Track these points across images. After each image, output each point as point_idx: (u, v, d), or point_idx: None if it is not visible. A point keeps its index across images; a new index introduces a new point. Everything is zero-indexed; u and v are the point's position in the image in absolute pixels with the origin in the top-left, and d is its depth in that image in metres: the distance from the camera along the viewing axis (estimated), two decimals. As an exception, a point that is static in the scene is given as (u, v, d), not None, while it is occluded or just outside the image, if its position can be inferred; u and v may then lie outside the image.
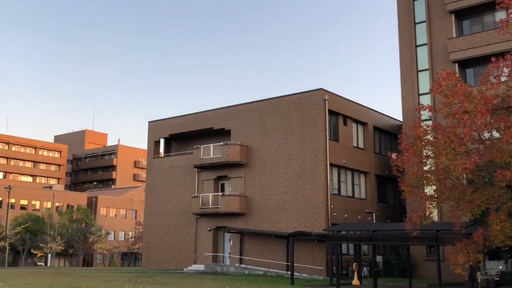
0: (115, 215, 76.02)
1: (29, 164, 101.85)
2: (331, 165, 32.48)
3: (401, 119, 33.87)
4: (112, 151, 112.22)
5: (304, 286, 25.14)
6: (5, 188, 50.31)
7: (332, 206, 31.49)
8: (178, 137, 41.78)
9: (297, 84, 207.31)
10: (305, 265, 30.75)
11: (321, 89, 33.12)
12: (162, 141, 43.12)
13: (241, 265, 34.14)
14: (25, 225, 53.46)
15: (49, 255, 55.05)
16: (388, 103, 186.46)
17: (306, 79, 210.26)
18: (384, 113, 39.01)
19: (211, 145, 36.44)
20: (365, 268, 29.67)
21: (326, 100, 32.65)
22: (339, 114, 34.20)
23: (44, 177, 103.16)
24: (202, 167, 37.43)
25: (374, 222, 34.49)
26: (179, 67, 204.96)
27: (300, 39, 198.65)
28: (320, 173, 31.63)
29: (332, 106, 33.29)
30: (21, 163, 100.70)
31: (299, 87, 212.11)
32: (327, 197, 31.31)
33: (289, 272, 28.44)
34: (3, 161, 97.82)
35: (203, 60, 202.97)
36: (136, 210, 76.49)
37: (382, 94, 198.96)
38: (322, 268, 30.19)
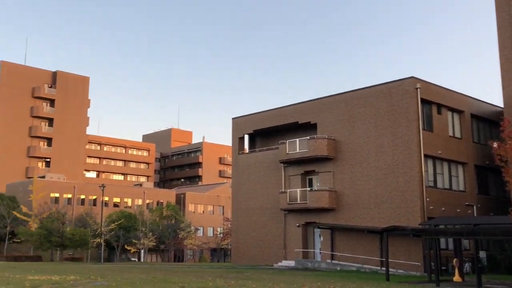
0: (203, 211, 78.25)
1: (120, 163, 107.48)
2: (426, 156, 31.42)
3: (502, 105, 32.02)
4: (198, 149, 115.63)
5: (400, 282, 24.48)
6: (99, 186, 53.30)
7: (428, 199, 30.45)
8: (262, 132, 42.07)
9: (385, 74, 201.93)
10: (400, 261, 29.99)
11: (412, 77, 32.11)
12: (246, 137, 43.57)
13: (333, 261, 33.90)
14: (119, 222, 56.31)
15: (142, 251, 57.75)
16: (486, 89, 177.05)
17: (394, 68, 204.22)
18: (482, 100, 37.06)
19: (297, 139, 36.39)
20: (467, 264, 28.43)
21: (418, 89, 31.61)
22: (432, 102, 32.99)
23: (134, 175, 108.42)
24: (288, 162, 37.47)
25: (475, 215, 32.93)
26: (261, 63, 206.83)
27: (384, 26, 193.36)
28: (414, 165, 30.69)
29: (425, 94, 32.15)
30: (112, 162, 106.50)
31: (387, 76, 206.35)
32: (422, 189, 30.33)
33: (383, 268, 27.83)
34: (96, 161, 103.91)
35: (284, 54, 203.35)
36: (223, 206, 78.25)
37: (479, 80, 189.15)
38: (419, 264, 29.31)
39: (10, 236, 54.14)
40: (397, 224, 29.30)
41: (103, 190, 51.11)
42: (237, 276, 26.49)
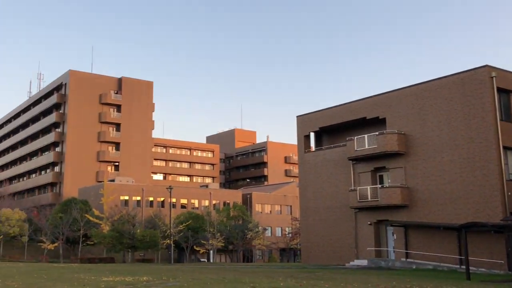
0: (270, 211, 78.55)
1: (185, 165, 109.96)
2: (505, 148, 30.02)
3: None
4: (262, 148, 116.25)
5: (483, 281, 23.45)
6: (167, 188, 54.59)
7: (509, 194, 29.03)
8: (328, 129, 41.62)
9: (452, 65, 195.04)
10: (481, 259, 28.75)
11: (487, 65, 30.75)
12: (312, 135, 43.25)
13: (408, 260, 33.03)
14: (187, 223, 57.43)
15: (211, 251, 58.65)
16: None
17: (460, 59, 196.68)
18: None
19: (365, 135, 35.76)
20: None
21: (494, 77, 30.22)
22: (510, 91, 31.43)
23: (200, 176, 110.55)
24: (357, 159, 36.89)
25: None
26: (324, 59, 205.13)
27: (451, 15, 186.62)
28: (492, 157, 29.40)
29: (502, 83, 30.76)
30: (178, 164, 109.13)
31: (454, 67, 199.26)
32: (502, 183, 28.97)
33: (463, 267, 26.81)
34: (162, 163, 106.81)
35: (347, 49, 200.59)
36: (290, 206, 78.22)
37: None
38: (502, 262, 27.98)
39: (83, 238, 56.49)
40: (475, 220, 28.13)
41: (170, 192, 52.33)
42: (308, 276, 26.31)
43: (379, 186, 35.15)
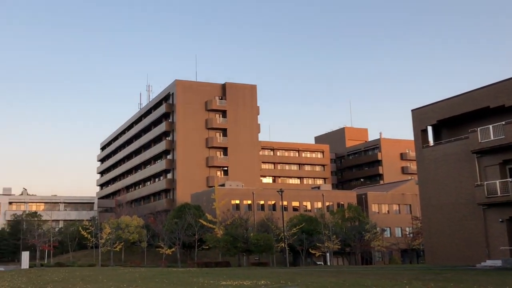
0: (388, 211, 76.55)
1: (294, 167, 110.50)
2: None
3: None
4: (375, 146, 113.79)
5: None
6: (277, 191, 55.12)
7: None
8: (447, 122, 39.69)
9: None
10: None
11: None
12: (429, 128, 41.64)
13: (549, 260, 30.55)
14: (300, 226, 57.55)
15: (328, 254, 58.25)
16: None
17: None
18: None
19: (490, 126, 33.74)
20: None
21: None
22: None
23: (310, 178, 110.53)
24: (482, 152, 34.82)
25: None
26: (436, 48, 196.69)
27: None
28: None
29: None
30: (287, 167, 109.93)
31: None
32: None
33: None
34: (271, 166, 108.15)
35: (462, 36, 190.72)
36: (410, 205, 75.78)
37: None
38: None
39: (199, 243, 58.62)
40: None
41: (281, 195, 52.71)
42: (435, 278, 25.20)
43: (510, 180, 32.87)
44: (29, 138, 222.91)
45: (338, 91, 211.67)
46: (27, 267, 51.00)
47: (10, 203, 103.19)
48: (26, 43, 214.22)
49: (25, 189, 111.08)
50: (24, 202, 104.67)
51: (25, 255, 52.21)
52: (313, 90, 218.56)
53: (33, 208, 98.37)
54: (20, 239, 69.75)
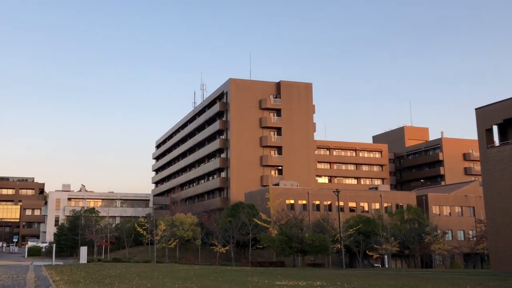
0: (450, 213, 74.38)
1: (351, 167, 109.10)
2: None
3: None
4: (436, 146, 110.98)
5: None
6: (333, 191, 54.58)
7: None
8: (514, 120, 38.30)
9: None
10: None
11: None
12: (495, 128, 40.27)
13: None
14: (357, 227, 56.76)
15: (385, 256, 57.14)
16: None
17: None
18: None
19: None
20: None
21: None
22: None
23: (368, 178, 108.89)
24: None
25: None
26: (498, 46, 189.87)
27: None
28: None
29: None
30: (343, 167, 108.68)
31: None
32: None
33: None
34: (327, 166, 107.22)
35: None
36: (473, 207, 73.40)
37: None
38: None
39: (252, 242, 58.82)
40: None
41: (338, 195, 52.16)
42: (500, 285, 24.27)
43: None
44: (88, 137, 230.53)
45: (398, 90, 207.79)
46: (85, 261, 52.53)
47: (69, 199, 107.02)
48: (87, 45, 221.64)
49: (83, 186, 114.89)
50: (82, 199, 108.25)
51: (83, 250, 53.79)
52: (371, 88, 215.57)
53: (91, 204, 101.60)
54: (78, 234, 71.98)
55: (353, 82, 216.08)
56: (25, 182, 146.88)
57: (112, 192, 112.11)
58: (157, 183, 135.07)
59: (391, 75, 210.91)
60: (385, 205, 73.35)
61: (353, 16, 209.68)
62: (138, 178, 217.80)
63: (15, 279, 30.55)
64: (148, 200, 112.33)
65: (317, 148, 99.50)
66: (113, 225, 78.40)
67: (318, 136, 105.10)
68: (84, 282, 26.68)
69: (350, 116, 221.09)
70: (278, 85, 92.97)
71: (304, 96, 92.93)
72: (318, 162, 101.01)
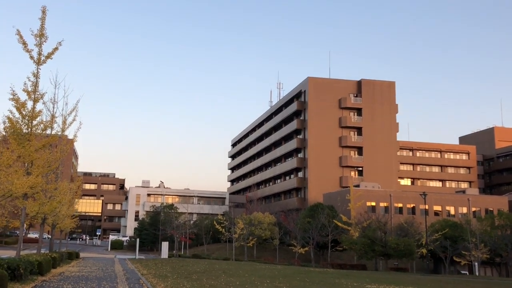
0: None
1: (436, 169, 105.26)
2: None
3: None
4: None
5: None
6: (420, 194, 52.92)
7: None
8: None
9: None
10: None
11: None
12: None
13: None
14: (443, 232, 54.66)
15: (475, 263, 54.61)
16: None
17: None
18: None
19: None
20: None
21: None
22: None
23: (453, 181, 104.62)
24: None
25: None
26: None
27: None
28: None
29: None
30: (427, 168, 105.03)
31: None
32: None
33: None
34: (409, 167, 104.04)
35: None
36: None
37: None
38: None
39: (332, 244, 58.04)
40: None
41: (425, 198, 50.55)
42: None
43: None
44: (166, 134, 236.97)
45: (487, 89, 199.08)
46: (166, 256, 53.79)
47: (148, 195, 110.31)
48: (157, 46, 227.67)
49: (162, 182, 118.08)
50: (161, 195, 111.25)
51: (164, 245, 55.16)
52: (458, 87, 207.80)
53: (169, 200, 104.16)
54: (159, 229, 73.91)
55: (438, 80, 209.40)
56: (106, 178, 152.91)
57: (188, 189, 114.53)
58: (232, 181, 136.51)
59: (480, 74, 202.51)
60: (473, 209, 70.22)
61: (440, 11, 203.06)
62: (213, 176, 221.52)
63: (105, 271, 31.57)
64: (224, 198, 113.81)
65: (400, 149, 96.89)
66: (192, 222, 79.90)
67: (401, 136, 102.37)
68: (172, 277, 27.10)
69: (434, 116, 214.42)
70: (359, 83, 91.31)
71: (387, 95, 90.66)
72: (401, 163, 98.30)
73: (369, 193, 68.89)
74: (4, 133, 23.01)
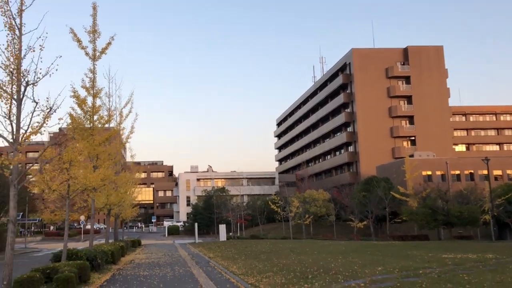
0: None
1: (492, 132, 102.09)
2: None
3: None
4: None
5: None
6: (482, 160, 51.54)
7: None
8: None
9: None
10: None
11: None
12: None
13: None
14: (506, 197, 53.15)
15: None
16: None
17: None
18: None
19: None
20: None
21: None
22: None
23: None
24: None
25: None
26: None
27: None
28: None
29: None
30: (482, 133, 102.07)
31: None
32: None
33: None
34: (463, 133, 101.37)
35: None
36: None
37: None
38: None
39: (390, 216, 57.34)
40: None
41: (487, 163, 49.19)
42: None
43: None
44: (209, 118, 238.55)
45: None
46: (225, 239, 54.35)
47: (198, 179, 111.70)
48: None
49: (210, 166, 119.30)
50: (210, 179, 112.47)
51: (222, 228, 55.75)
52: (509, 47, 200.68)
53: (218, 184, 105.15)
54: (213, 213, 74.72)
55: (488, 41, 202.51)
56: (155, 166, 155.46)
57: (234, 171, 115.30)
58: (280, 160, 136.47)
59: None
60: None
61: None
62: (260, 157, 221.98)
63: (172, 256, 32.09)
64: (274, 178, 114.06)
65: (453, 114, 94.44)
66: (244, 203, 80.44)
67: (453, 102, 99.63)
68: (240, 258, 27.28)
69: (486, 79, 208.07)
70: (405, 51, 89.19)
71: (435, 61, 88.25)
72: (454, 129, 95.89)
73: (424, 162, 67.56)
74: (66, 132, 23.54)
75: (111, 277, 20.12)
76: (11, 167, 12.60)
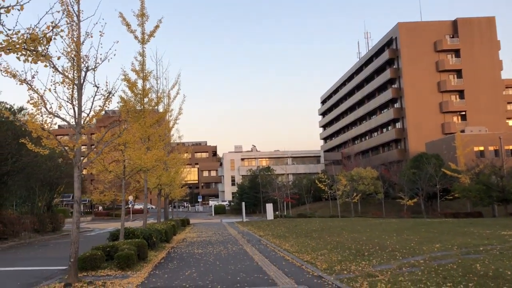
0: None
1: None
2: None
3: None
4: None
5: None
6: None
7: None
8: None
9: None
10: None
11: None
12: None
13: None
14: None
15: None
16: None
17: None
18: None
19: None
20: None
21: None
22: None
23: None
24: None
25: None
26: None
27: None
28: None
29: None
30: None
31: None
32: None
33: None
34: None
35: None
36: None
37: None
38: None
39: (441, 193, 56.47)
40: None
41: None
42: None
43: None
44: (253, 99, 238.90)
45: None
46: (272, 218, 54.82)
47: (242, 159, 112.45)
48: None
49: (254, 146, 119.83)
50: (255, 158, 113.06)
51: (269, 207, 56.25)
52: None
53: (262, 163, 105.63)
54: (259, 192, 75.28)
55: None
56: (199, 146, 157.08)
57: (278, 150, 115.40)
58: (325, 139, 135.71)
59: None
60: None
61: None
62: (304, 135, 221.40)
63: (222, 235, 32.57)
64: (319, 156, 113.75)
65: (505, 87, 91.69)
66: (290, 182, 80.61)
67: (506, 74, 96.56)
68: (291, 237, 27.48)
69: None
70: (454, 23, 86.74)
71: (486, 32, 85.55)
72: (508, 103, 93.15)
73: (476, 138, 66.02)
74: (118, 114, 24.16)
75: (167, 254, 20.62)
76: (75, 149, 12.98)
